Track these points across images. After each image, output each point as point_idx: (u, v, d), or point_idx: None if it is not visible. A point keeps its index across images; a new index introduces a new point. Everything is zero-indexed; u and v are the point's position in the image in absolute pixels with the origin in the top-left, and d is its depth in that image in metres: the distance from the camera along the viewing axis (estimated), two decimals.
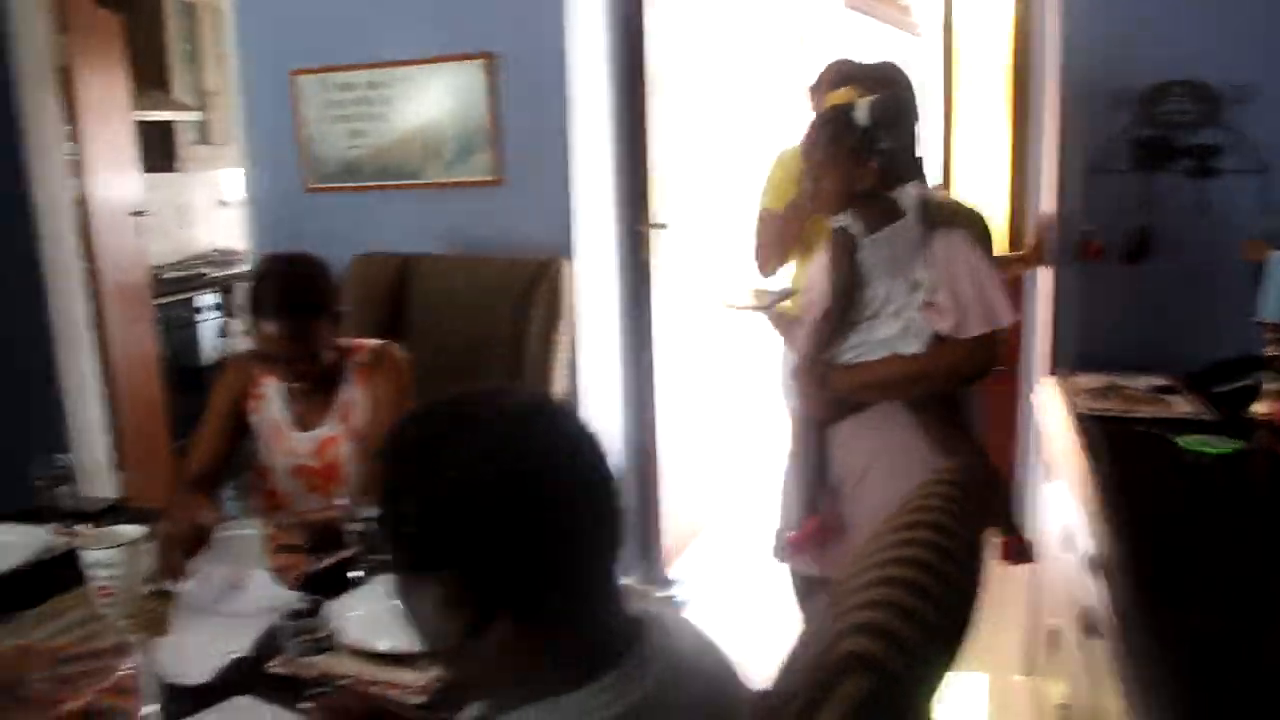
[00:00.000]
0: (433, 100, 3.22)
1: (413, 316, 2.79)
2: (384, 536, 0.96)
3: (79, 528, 1.92)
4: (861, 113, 2.07)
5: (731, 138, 4.81)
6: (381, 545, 0.99)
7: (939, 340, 2.06)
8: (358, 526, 1.86)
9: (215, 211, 6.17)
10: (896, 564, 0.99)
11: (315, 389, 2.24)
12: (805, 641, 1.06)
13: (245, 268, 5.77)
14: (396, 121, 3.26)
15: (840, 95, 2.24)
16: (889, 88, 2.27)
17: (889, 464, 2.11)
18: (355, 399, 2.25)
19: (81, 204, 4.02)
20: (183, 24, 5.55)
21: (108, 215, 4.20)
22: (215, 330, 5.51)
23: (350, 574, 1.82)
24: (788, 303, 2.60)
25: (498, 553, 0.90)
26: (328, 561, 1.91)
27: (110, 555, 1.73)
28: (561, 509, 0.91)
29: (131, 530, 1.81)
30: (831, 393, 2.16)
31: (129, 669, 1.46)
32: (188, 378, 5.17)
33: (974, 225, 2.12)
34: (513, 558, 0.90)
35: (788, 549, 2.28)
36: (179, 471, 2.30)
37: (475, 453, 0.91)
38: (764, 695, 1.04)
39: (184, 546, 1.88)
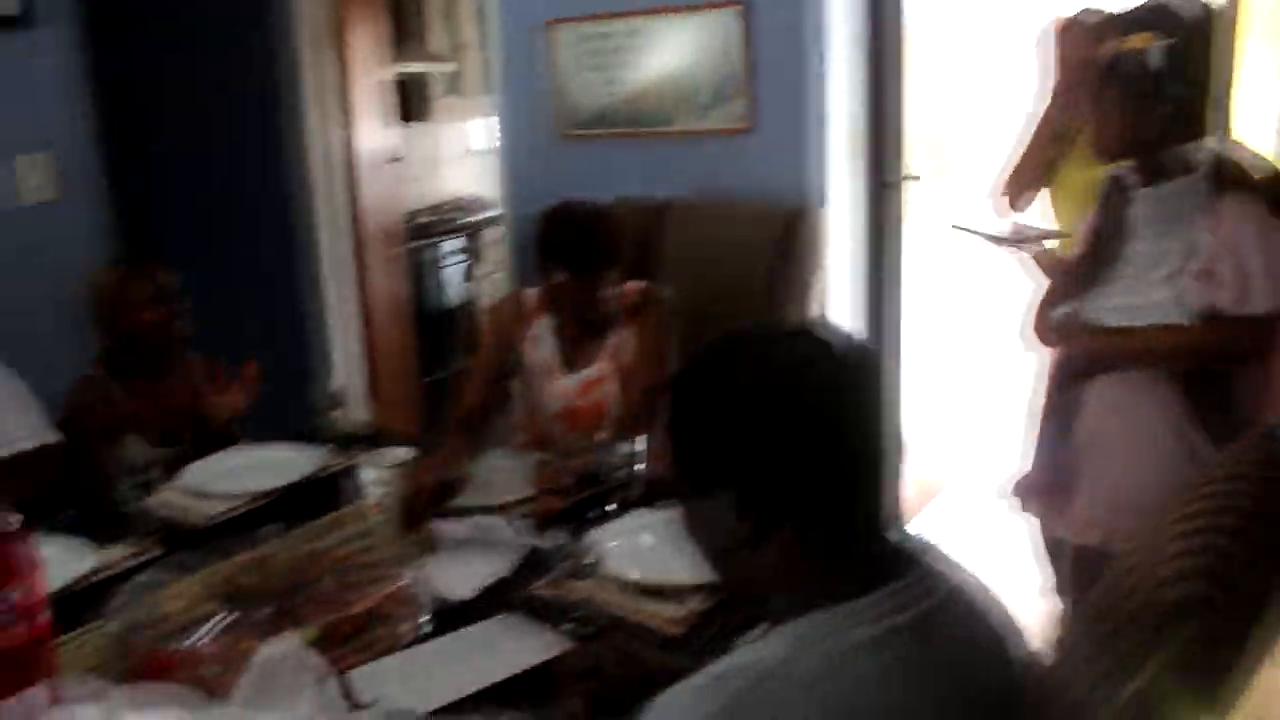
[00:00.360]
0: (686, 48, 3.23)
1: (665, 262, 2.83)
2: (675, 459, 1.02)
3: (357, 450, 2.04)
4: (1155, 57, 1.94)
5: (992, 86, 4.61)
6: (670, 470, 1.02)
7: (1211, 313, 1.91)
8: (616, 462, 1.91)
9: (463, 160, 6.42)
10: (1209, 515, 0.95)
11: (590, 329, 2.33)
12: (1097, 605, 1.01)
13: (492, 214, 6.01)
14: (649, 69, 3.29)
15: (1137, 40, 2.11)
16: (1179, 31, 2.12)
17: (1139, 432, 1.99)
18: (623, 340, 2.32)
19: (347, 152, 4.27)
20: None
21: (369, 163, 4.44)
22: (460, 274, 5.75)
23: (608, 508, 1.86)
24: (1053, 243, 2.51)
25: (782, 467, 0.96)
26: (585, 494, 1.97)
27: (386, 474, 1.87)
28: (839, 426, 0.97)
29: (403, 453, 1.95)
30: (1088, 351, 2.05)
31: (405, 581, 1.54)
32: (432, 320, 5.43)
33: (1274, 190, 1.95)
34: (795, 472, 0.96)
35: (1013, 488, 2.21)
36: (443, 410, 2.39)
37: (764, 372, 0.98)
38: (1048, 656, 1.03)
39: (428, 501, 1.89)
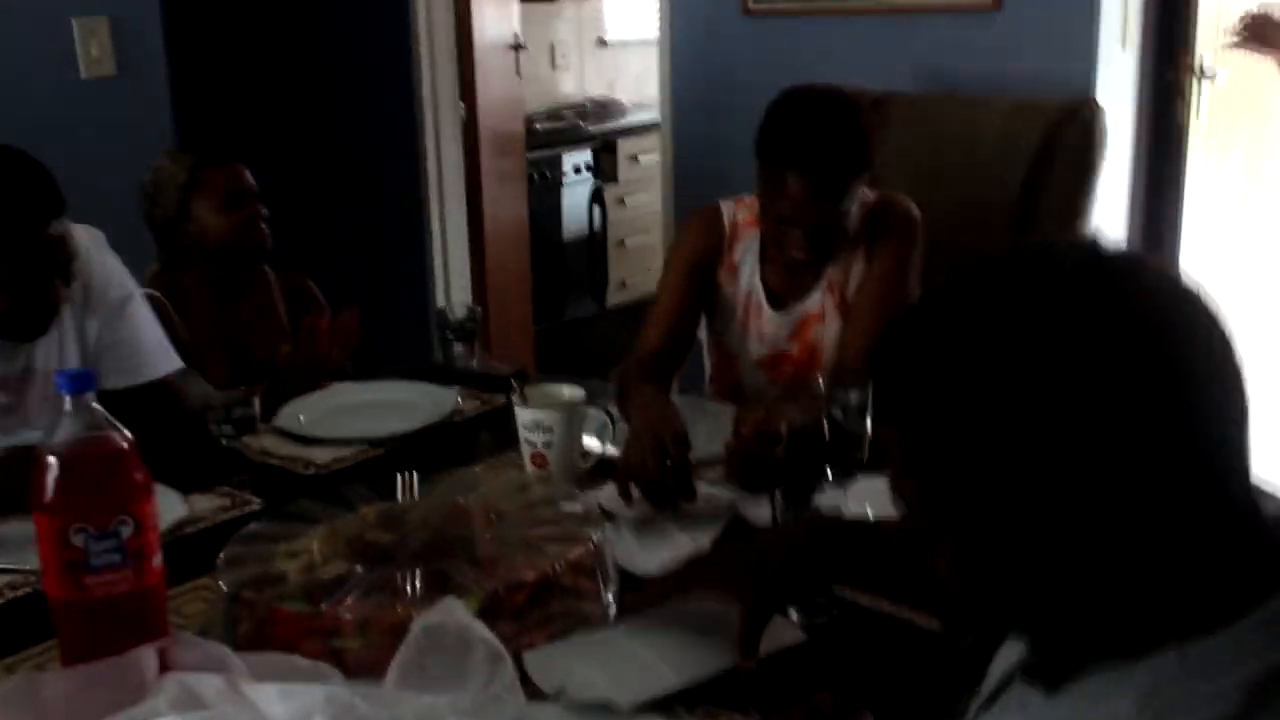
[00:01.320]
0: None
1: (885, 171, 2.76)
2: (943, 423, 0.86)
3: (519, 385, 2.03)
4: None
5: None
6: (907, 439, 0.90)
7: None
8: (839, 415, 1.88)
9: (592, 53, 6.42)
10: None
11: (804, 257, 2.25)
12: None
13: (627, 120, 6.03)
14: None
15: None
16: None
17: None
18: (849, 267, 2.27)
19: (462, 36, 4.30)
20: None
21: (487, 50, 4.47)
22: (586, 196, 5.78)
23: (828, 471, 1.82)
24: None
25: (1106, 424, 0.79)
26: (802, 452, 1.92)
27: (548, 417, 1.85)
28: (1185, 374, 0.81)
29: (571, 391, 1.93)
30: None
31: (589, 546, 1.52)
32: (550, 253, 5.47)
33: None
34: (1128, 429, 0.80)
35: None
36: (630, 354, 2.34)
37: (1081, 309, 0.81)
38: None
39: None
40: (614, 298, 5.97)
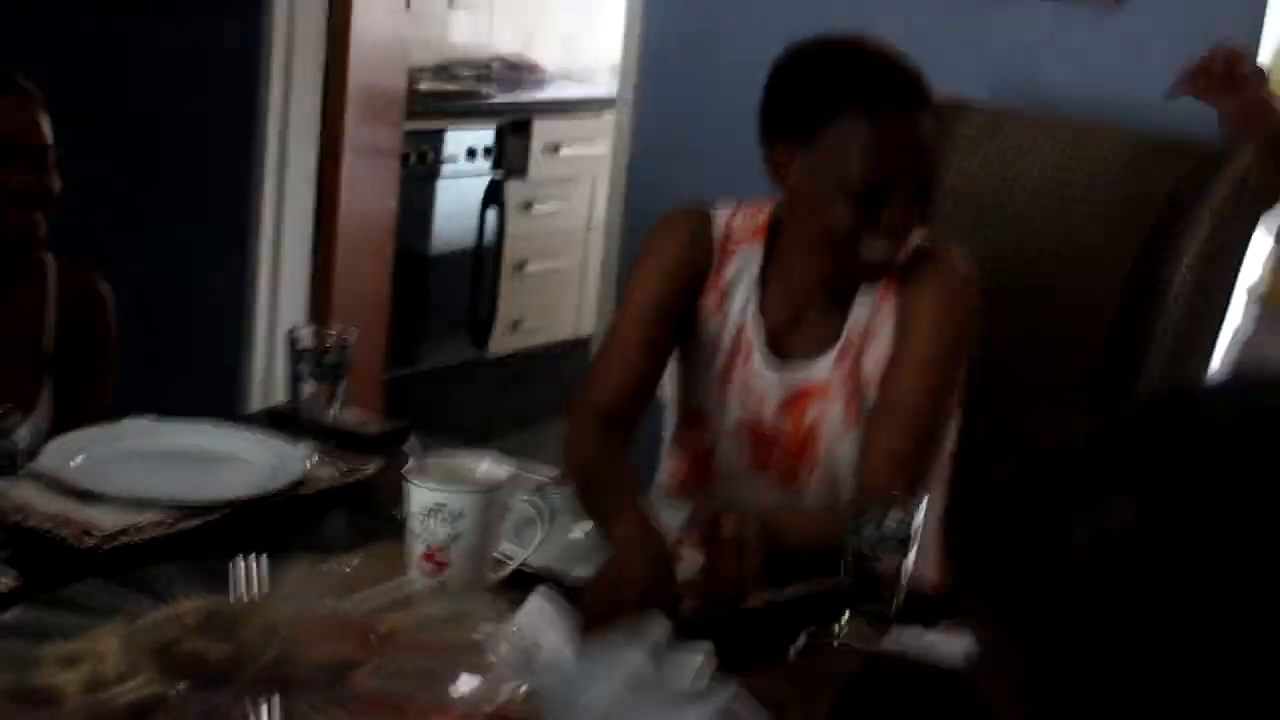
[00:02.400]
0: None
1: (943, 203, 2.81)
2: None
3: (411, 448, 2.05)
4: None
5: None
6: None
7: None
8: (867, 541, 1.90)
9: None
10: None
11: (824, 295, 2.32)
12: None
13: (548, 94, 6.07)
14: None
15: None
16: None
17: None
18: (872, 322, 2.30)
19: None
20: None
21: None
22: (477, 194, 5.81)
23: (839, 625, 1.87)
24: None
25: None
26: (789, 593, 1.98)
27: (458, 503, 1.86)
28: None
29: (490, 468, 1.94)
30: None
31: (513, 691, 1.52)
32: (411, 269, 5.46)
33: None
34: None
35: None
36: (574, 400, 2.43)
37: None
38: None
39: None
40: (501, 342, 5.98)
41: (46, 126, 2.53)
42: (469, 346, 5.90)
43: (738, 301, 2.37)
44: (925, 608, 1.93)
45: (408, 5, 4.76)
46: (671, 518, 2.06)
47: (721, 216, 2.40)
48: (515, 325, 5.97)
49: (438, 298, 5.73)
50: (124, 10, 4.26)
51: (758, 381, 2.34)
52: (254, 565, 1.71)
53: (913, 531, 1.92)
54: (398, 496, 1.94)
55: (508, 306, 5.97)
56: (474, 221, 5.78)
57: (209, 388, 4.12)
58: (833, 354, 2.31)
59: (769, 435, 2.34)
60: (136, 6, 4.28)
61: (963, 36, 3.32)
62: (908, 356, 2.26)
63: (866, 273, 2.25)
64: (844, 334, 2.31)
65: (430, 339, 5.74)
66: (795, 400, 2.33)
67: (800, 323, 2.34)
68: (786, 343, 2.35)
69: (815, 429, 2.32)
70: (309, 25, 4.26)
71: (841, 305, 2.31)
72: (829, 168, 2.18)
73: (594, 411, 2.32)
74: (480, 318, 5.91)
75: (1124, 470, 0.89)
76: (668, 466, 2.48)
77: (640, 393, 2.37)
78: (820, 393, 2.32)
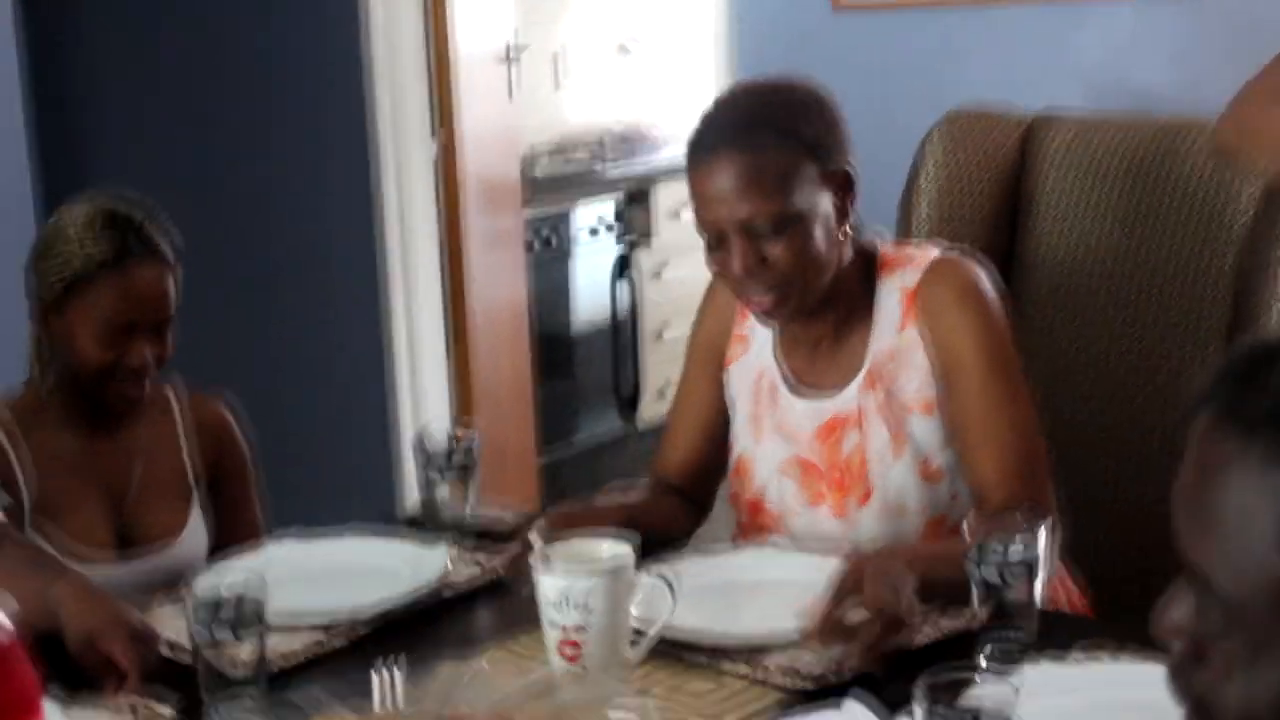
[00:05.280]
0: None
1: (1039, 221, 2.81)
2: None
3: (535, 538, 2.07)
4: None
5: None
6: None
7: None
8: (994, 574, 1.90)
9: (613, 62, 6.52)
10: None
11: (829, 329, 2.36)
12: None
13: (663, 158, 6.11)
14: None
15: None
16: None
17: None
18: (896, 348, 2.32)
19: (437, 43, 4.39)
20: None
21: (472, 62, 4.55)
22: (607, 268, 5.87)
23: (984, 657, 1.86)
24: None
25: None
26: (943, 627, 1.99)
27: (583, 588, 1.88)
28: None
29: (613, 548, 1.96)
30: None
31: None
32: (555, 351, 5.53)
33: None
34: None
35: None
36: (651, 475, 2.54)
37: None
38: None
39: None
40: (651, 409, 5.98)
41: (174, 293, 2.49)
42: (618, 419, 5.93)
43: (756, 346, 2.44)
44: (1064, 629, 1.95)
45: (510, 95, 4.82)
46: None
47: None
48: (661, 393, 5.92)
49: (583, 375, 5.77)
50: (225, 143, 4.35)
51: (790, 416, 2.38)
52: (393, 675, 1.74)
53: (1039, 553, 1.91)
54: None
55: (653, 374, 5.99)
56: (608, 294, 5.85)
57: (365, 491, 4.19)
58: (856, 383, 2.33)
59: (813, 466, 2.36)
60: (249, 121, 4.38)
61: (1048, 46, 3.31)
62: (969, 383, 2.28)
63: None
64: (866, 363, 2.33)
65: (581, 416, 5.78)
66: (828, 430, 2.34)
67: (818, 357, 2.38)
68: (809, 377, 2.38)
69: (857, 458, 2.33)
70: (415, 121, 4.32)
71: (851, 338, 2.34)
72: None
73: (659, 487, 2.49)
74: (625, 389, 5.94)
75: None
76: (730, 519, 2.53)
77: (708, 460, 2.51)
78: (853, 422, 2.33)
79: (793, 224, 2.20)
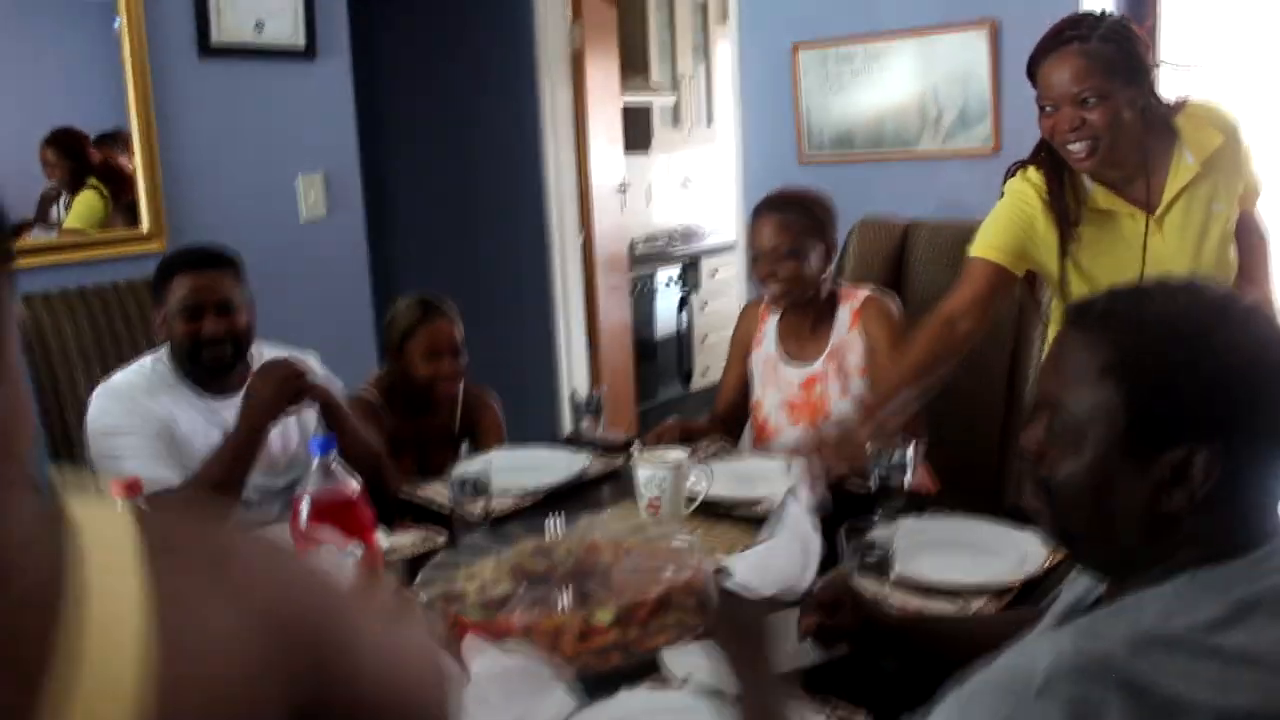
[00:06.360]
0: (931, 69, 3.22)
1: (912, 280, 2.82)
2: (1117, 412, 0.95)
3: (636, 447, 2.10)
4: None
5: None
6: (1107, 422, 0.96)
7: None
8: (883, 471, 1.91)
9: (679, 190, 6.56)
10: None
11: (809, 328, 2.42)
12: None
13: (707, 243, 6.13)
14: (894, 91, 3.30)
15: None
16: None
17: None
18: (846, 341, 2.39)
19: (582, 180, 4.43)
20: (663, 14, 5.95)
21: (601, 191, 4.60)
22: (675, 303, 5.88)
23: (876, 516, 1.86)
24: None
25: (1251, 430, 0.92)
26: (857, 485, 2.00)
27: (660, 473, 1.92)
28: None
29: (676, 453, 2.00)
30: None
31: (696, 572, 1.58)
32: (645, 348, 5.56)
33: None
34: (1262, 435, 0.92)
35: None
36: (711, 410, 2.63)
37: (1245, 335, 0.93)
38: None
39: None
40: (697, 382, 6.00)
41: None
42: (680, 386, 5.95)
43: (768, 340, 2.49)
44: (919, 503, 1.94)
45: (622, 210, 4.87)
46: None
47: (762, 302, 2.52)
48: (704, 372, 5.99)
49: (661, 361, 5.78)
50: (469, 235, 4.42)
51: (785, 376, 2.44)
52: (558, 521, 1.78)
53: (908, 459, 1.90)
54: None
55: (699, 362, 5.99)
56: (675, 317, 5.88)
57: (542, 424, 4.23)
58: (823, 357, 2.39)
59: (797, 405, 2.42)
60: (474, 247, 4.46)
61: (917, 184, 3.30)
62: (871, 357, 2.36)
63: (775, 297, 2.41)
64: (829, 346, 2.39)
65: (660, 384, 5.80)
66: (807, 384, 2.41)
67: (801, 342, 2.43)
68: (796, 354, 2.44)
69: (823, 399, 2.38)
70: (570, 224, 4.37)
71: (821, 334, 2.40)
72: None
73: (713, 418, 2.54)
74: (685, 370, 5.97)
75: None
76: (750, 427, 2.55)
77: (739, 405, 2.56)
78: (820, 378, 2.39)
79: (802, 257, 2.32)
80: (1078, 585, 1.09)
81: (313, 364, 2.22)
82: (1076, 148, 1.93)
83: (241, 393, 2.04)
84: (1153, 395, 0.93)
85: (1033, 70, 1.98)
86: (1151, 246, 2.00)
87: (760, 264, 2.36)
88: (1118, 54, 1.89)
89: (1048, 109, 1.95)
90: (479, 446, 2.57)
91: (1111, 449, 0.94)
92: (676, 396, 5.89)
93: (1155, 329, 0.94)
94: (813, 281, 2.35)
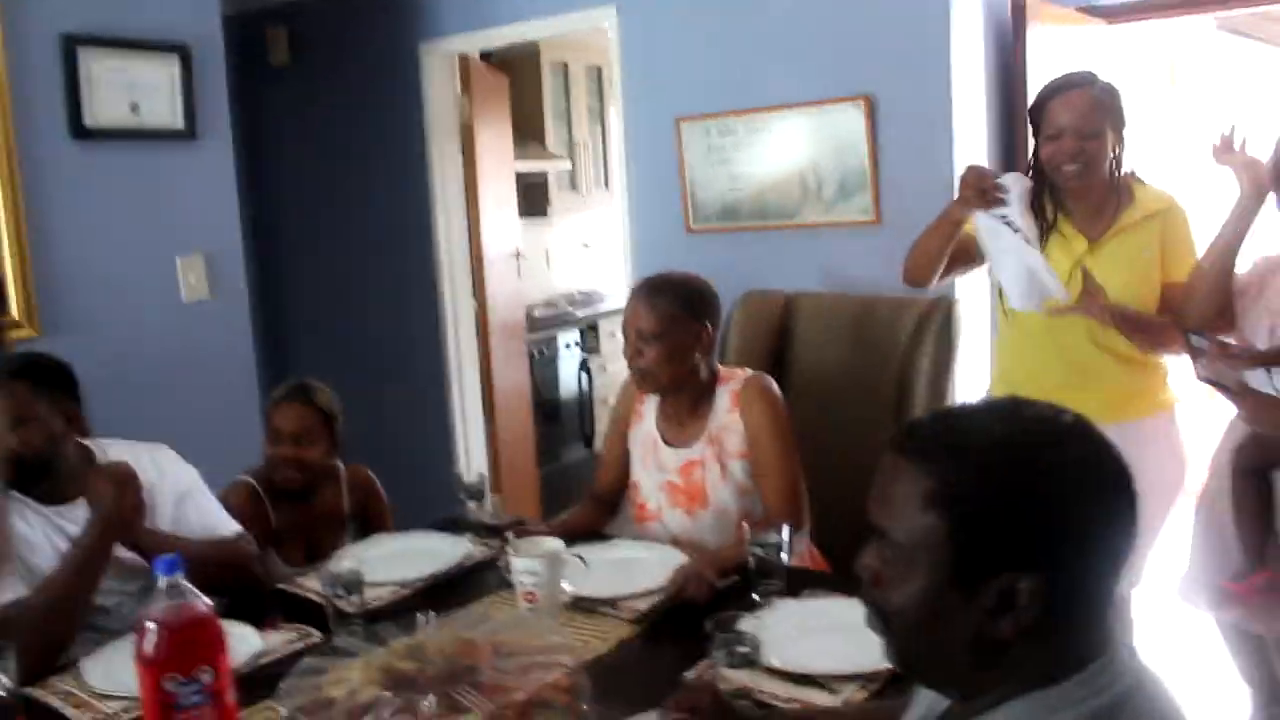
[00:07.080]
0: (812, 142, 3.28)
1: (796, 352, 2.85)
2: (942, 541, 0.94)
3: (511, 537, 2.07)
4: None
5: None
6: (932, 551, 0.96)
7: None
8: (760, 552, 1.91)
9: (578, 254, 6.57)
10: None
11: (688, 410, 2.35)
12: None
13: (606, 306, 6.14)
14: (775, 164, 3.36)
15: None
16: None
17: None
18: (725, 424, 2.32)
19: (474, 249, 4.42)
20: (558, 80, 5.99)
21: (494, 258, 4.59)
22: (575, 366, 5.85)
23: (755, 597, 1.86)
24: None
25: (1075, 553, 0.92)
26: (725, 584, 1.98)
27: (536, 564, 1.90)
28: (1121, 516, 0.94)
29: (553, 543, 1.97)
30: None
31: (568, 669, 1.55)
32: (548, 411, 5.52)
33: None
34: (1086, 558, 0.92)
35: (1224, 598, 2.14)
36: (586, 487, 2.55)
37: (1064, 458, 0.93)
38: None
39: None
40: (599, 444, 5.91)
41: (316, 420, 2.41)
42: (583, 448, 5.90)
43: (647, 420, 2.42)
44: (801, 580, 1.95)
45: (518, 275, 4.86)
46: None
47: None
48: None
49: (565, 423, 5.73)
50: (354, 308, 4.36)
51: (665, 459, 2.37)
52: (429, 618, 1.73)
53: (783, 541, 1.92)
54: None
55: (600, 423, 5.89)
56: (576, 380, 5.85)
57: (441, 498, 4.14)
58: (702, 441, 2.32)
59: (676, 487, 2.35)
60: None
61: (801, 254, 3.32)
62: (765, 444, 2.28)
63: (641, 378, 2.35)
64: (706, 431, 2.32)
65: (563, 446, 5.74)
66: (685, 468, 2.33)
67: (681, 425, 2.37)
68: (675, 437, 2.37)
69: (701, 484, 2.31)
70: (463, 291, 4.37)
71: (701, 417, 2.33)
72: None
73: (591, 498, 2.51)
74: (587, 432, 5.92)
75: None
76: (626, 511, 2.50)
77: (619, 480, 2.49)
78: (699, 463, 2.32)
79: (661, 341, 2.25)
80: (929, 693, 1.10)
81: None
82: (1071, 169, 2.29)
83: (82, 499, 1.95)
84: (976, 524, 0.92)
85: (1040, 106, 2.34)
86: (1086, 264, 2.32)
87: (627, 346, 2.32)
88: (1113, 104, 2.32)
89: (1051, 137, 2.30)
90: (370, 529, 2.51)
91: (939, 577, 0.94)
92: (579, 459, 5.84)
93: (977, 457, 0.94)
94: (678, 369, 2.29)
